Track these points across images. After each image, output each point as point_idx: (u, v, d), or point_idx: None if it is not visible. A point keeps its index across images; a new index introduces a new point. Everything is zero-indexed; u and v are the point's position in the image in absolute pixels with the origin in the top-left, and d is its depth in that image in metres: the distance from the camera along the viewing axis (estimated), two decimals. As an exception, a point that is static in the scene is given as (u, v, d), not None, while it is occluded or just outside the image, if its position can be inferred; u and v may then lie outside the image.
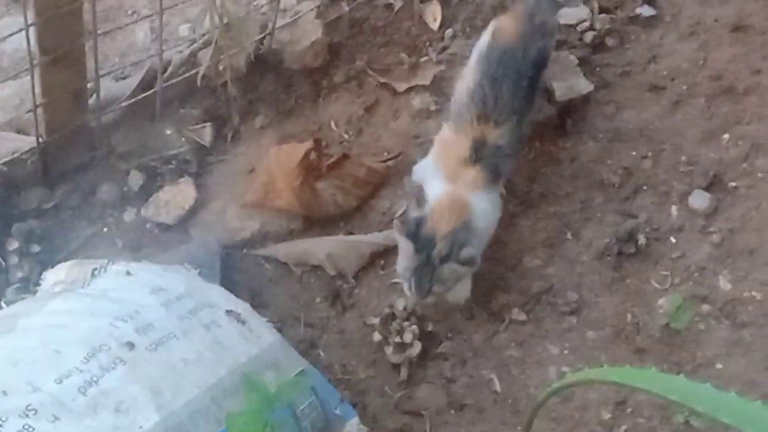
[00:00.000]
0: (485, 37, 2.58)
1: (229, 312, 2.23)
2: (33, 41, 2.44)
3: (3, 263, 2.65)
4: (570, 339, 2.66)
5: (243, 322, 2.23)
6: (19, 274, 2.63)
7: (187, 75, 2.85)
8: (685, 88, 2.98)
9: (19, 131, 2.79)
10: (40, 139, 2.70)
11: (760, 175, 2.85)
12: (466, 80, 2.53)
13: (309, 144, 2.82)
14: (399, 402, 2.59)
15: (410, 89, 3.01)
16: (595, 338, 2.66)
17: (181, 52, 2.92)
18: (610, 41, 3.07)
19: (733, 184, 2.85)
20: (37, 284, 2.41)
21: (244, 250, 2.79)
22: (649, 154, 2.91)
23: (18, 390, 1.95)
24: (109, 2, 3.09)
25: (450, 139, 2.55)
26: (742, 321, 2.66)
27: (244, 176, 2.88)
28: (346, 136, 2.96)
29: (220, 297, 2.28)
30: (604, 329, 2.67)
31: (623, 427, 2.55)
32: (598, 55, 3.05)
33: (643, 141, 2.93)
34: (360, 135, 2.97)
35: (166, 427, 1.96)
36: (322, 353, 2.64)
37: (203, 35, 2.90)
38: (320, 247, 2.78)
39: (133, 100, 2.84)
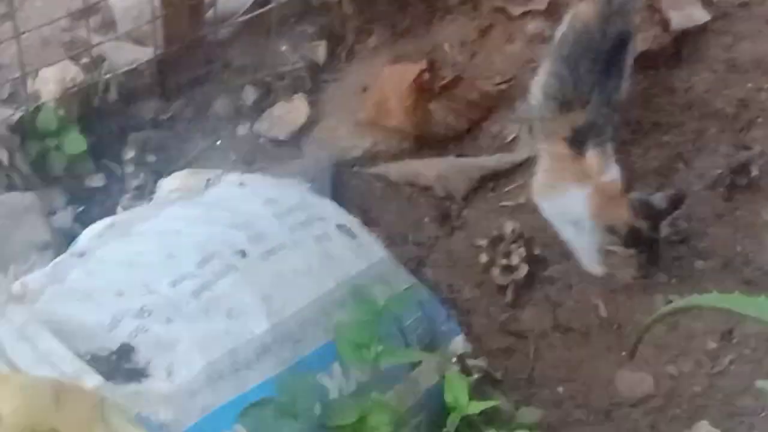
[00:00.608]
0: (562, 27, 2.49)
1: (339, 226, 2.23)
2: (154, -48, 2.45)
3: (120, 171, 2.68)
4: (678, 267, 2.62)
5: (353, 237, 2.23)
6: (135, 183, 2.66)
7: (303, -8, 2.84)
8: (805, 21, 2.89)
9: (138, 42, 2.80)
10: (158, 51, 2.71)
11: None
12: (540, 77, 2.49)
13: (422, 65, 2.80)
14: (504, 323, 2.58)
15: (525, 13, 2.98)
16: (704, 268, 2.63)
17: (298, -31, 2.90)
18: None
19: None
20: (152, 193, 2.43)
21: (355, 168, 2.79)
22: (766, 86, 2.86)
23: (133, 291, 1.97)
24: None
25: (552, 155, 2.51)
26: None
27: (357, 95, 2.88)
28: (459, 59, 2.94)
29: (331, 211, 2.28)
30: (714, 259, 2.64)
31: (728, 358, 2.51)
32: (745, -17, 2.96)
33: (759, 73, 2.87)
34: (473, 58, 2.95)
35: (275, 334, 1.97)
36: (429, 272, 2.64)
37: (322, -47, 2.89)
38: (430, 168, 2.77)
39: (249, 16, 2.85)
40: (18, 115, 2.60)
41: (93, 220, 2.27)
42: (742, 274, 2.61)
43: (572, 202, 2.38)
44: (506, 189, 2.76)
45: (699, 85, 2.87)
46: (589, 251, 2.53)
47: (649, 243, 2.32)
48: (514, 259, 2.58)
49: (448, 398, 2.11)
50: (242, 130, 2.82)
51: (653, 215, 2.29)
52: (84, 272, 2.04)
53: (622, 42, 2.61)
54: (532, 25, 2.95)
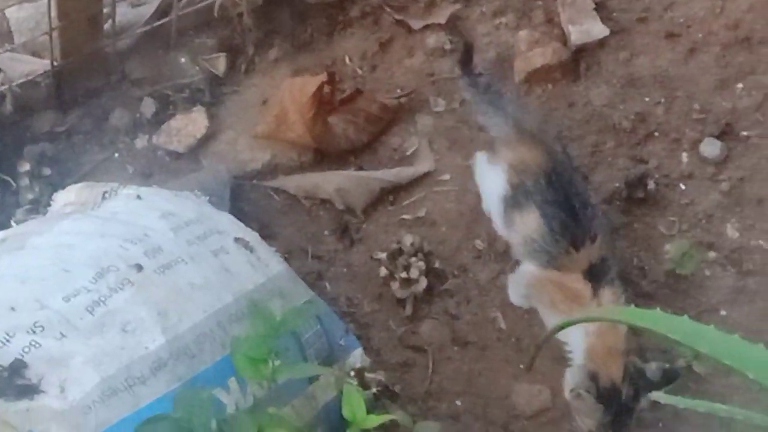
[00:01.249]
0: (500, 181, 2.50)
1: (237, 239, 2.23)
2: (50, -36, 2.43)
3: (14, 185, 2.65)
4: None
5: (251, 250, 2.23)
6: (30, 196, 2.62)
7: (203, 4, 2.84)
8: (700, 36, 2.96)
9: (34, 54, 2.77)
10: (55, 63, 2.69)
11: (772, 124, 2.82)
12: (527, 224, 2.44)
13: (322, 77, 2.81)
14: (403, 336, 2.60)
15: (426, 27, 3.00)
16: (601, 281, 2.63)
17: (198, -20, 2.89)
18: (626, -10, 3.03)
19: (745, 133, 2.84)
20: (48, 206, 2.41)
21: (254, 181, 2.79)
22: (662, 100, 2.89)
23: (26, 306, 1.95)
24: (127, -72, 3.06)
25: (553, 282, 2.42)
26: (747, 269, 2.66)
27: (257, 108, 2.88)
28: (359, 72, 2.95)
29: (229, 224, 2.28)
30: (611, 272, 2.64)
31: (625, 370, 2.53)
32: (614, 0, 3.00)
33: (656, 87, 2.91)
34: (374, 71, 2.96)
35: (171, 349, 1.96)
36: (328, 285, 2.65)
37: (221, -36, 2.88)
38: (330, 181, 2.77)
39: (148, 27, 2.83)
40: None
41: (-14, 234, 2.23)
42: (639, 287, 2.66)
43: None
44: (406, 202, 2.78)
45: (597, 99, 2.90)
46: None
47: (622, 410, 2.25)
48: (414, 273, 2.60)
49: (346, 412, 2.12)
50: (140, 142, 2.80)
51: (641, 386, 2.25)
52: (-25, 286, 2.01)
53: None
54: (432, 39, 2.97)
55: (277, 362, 2.01)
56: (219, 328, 2.04)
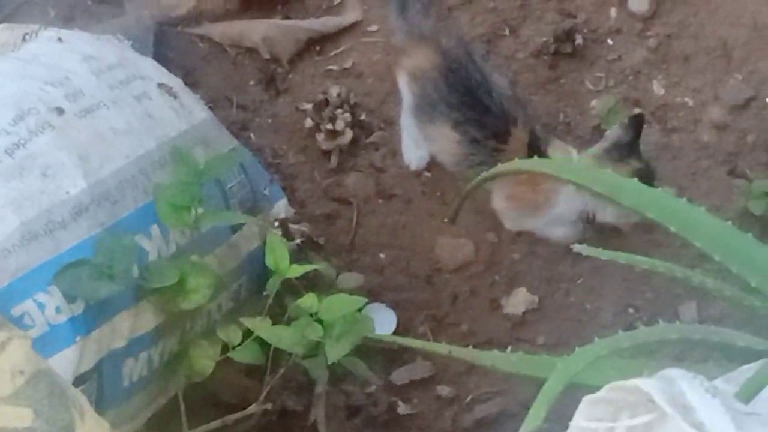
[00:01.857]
0: (406, 93, 2.48)
1: (161, 85, 2.19)
2: None
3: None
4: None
5: (174, 97, 2.19)
6: (-54, 39, 2.54)
7: None
8: None
9: None
10: None
11: (701, -22, 2.80)
12: (444, 137, 2.43)
13: None
14: (328, 188, 2.59)
15: None
16: (527, 135, 2.63)
17: None
18: None
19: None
20: (-35, 48, 2.33)
21: (179, 28, 2.74)
22: (592, -48, 2.84)
23: (-59, 148, 1.90)
24: None
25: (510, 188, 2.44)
26: (672, 126, 2.67)
27: (182, -48, 2.80)
28: None
29: (153, 70, 2.24)
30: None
31: (548, 223, 2.56)
32: None
33: (589, -59, 2.85)
34: None
35: (92, 194, 1.94)
36: (253, 136, 2.63)
37: None
38: (256, 29, 2.73)
39: None
40: None
41: None
42: (565, 141, 2.64)
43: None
44: (332, 53, 2.75)
45: (527, -50, 2.85)
46: None
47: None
48: (339, 125, 2.58)
49: (269, 262, 2.11)
50: (62, -15, 2.73)
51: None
52: None
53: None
54: None
55: (200, 210, 2.00)
56: (141, 174, 2.01)
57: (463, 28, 2.77)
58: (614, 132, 2.41)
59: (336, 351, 2.00)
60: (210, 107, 2.43)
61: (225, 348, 2.07)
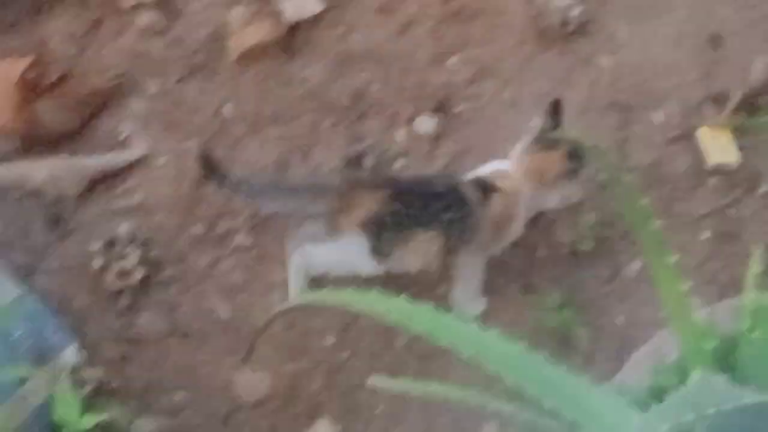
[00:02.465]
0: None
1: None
2: None
3: None
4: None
5: (-49, 249, 2.20)
6: None
7: None
8: (414, 10, 3.06)
9: None
10: None
11: (485, 98, 2.94)
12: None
13: (28, 60, 2.77)
14: (120, 330, 2.62)
15: (136, 6, 3.00)
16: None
17: None
18: (340, -38, 3.10)
19: (460, 107, 2.94)
20: None
21: (-43, 174, 2.74)
22: (378, 77, 2.97)
23: None
24: None
25: None
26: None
27: (-42, 95, 2.82)
28: (68, 54, 2.95)
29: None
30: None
31: (346, 353, 2.64)
32: (328, -25, 3.08)
33: (372, 63, 3.00)
34: (83, 53, 2.96)
35: None
36: (40, 280, 2.65)
37: None
38: (40, 169, 2.77)
39: None
40: None
41: None
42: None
43: None
44: (120, 189, 2.80)
45: (314, 76, 2.97)
46: None
47: None
48: (130, 263, 2.62)
49: (57, 416, 2.13)
50: None
51: None
52: None
53: None
54: (144, 18, 2.98)
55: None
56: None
57: (252, 157, 2.83)
58: (535, 123, 2.61)
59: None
60: (-7, 254, 2.44)
61: None
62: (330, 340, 2.62)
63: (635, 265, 2.70)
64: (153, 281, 2.64)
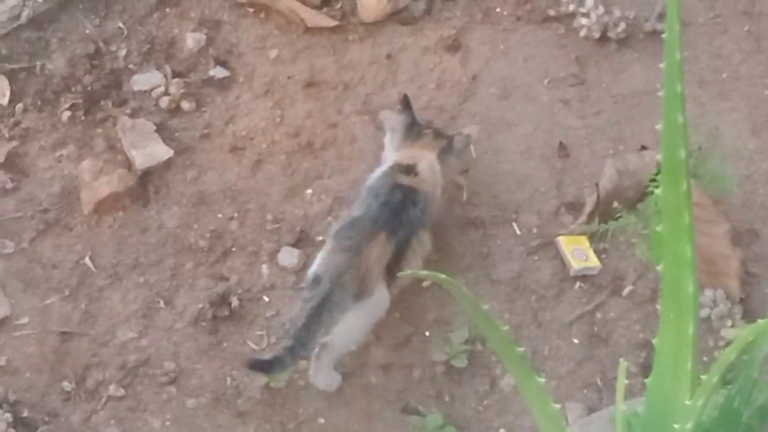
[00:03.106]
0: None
1: None
2: None
3: None
4: (171, 410, 2.84)
5: None
6: None
7: None
8: (264, 146, 3.22)
9: None
10: None
11: (344, 227, 3.07)
12: None
13: None
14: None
15: (-16, 168, 3.11)
16: (196, 406, 2.86)
17: None
18: (186, 105, 3.27)
19: (320, 237, 3.07)
20: None
21: None
22: (235, 215, 3.12)
23: None
24: None
25: None
26: (340, 373, 2.87)
27: None
28: None
29: None
30: (205, 396, 2.87)
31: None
32: (175, 119, 3.26)
33: (228, 202, 3.14)
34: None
35: None
36: None
37: None
38: None
39: None
40: None
41: None
42: (235, 407, 2.86)
43: None
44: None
45: (170, 221, 3.09)
46: None
47: None
48: (1, 427, 2.64)
49: None
50: None
51: None
52: None
53: None
54: (-8, 178, 3.07)
55: None
56: None
57: (116, 307, 2.92)
58: (395, 120, 3.04)
59: None
60: None
61: None
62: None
63: (509, 378, 2.84)
64: (26, 443, 2.68)
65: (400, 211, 2.82)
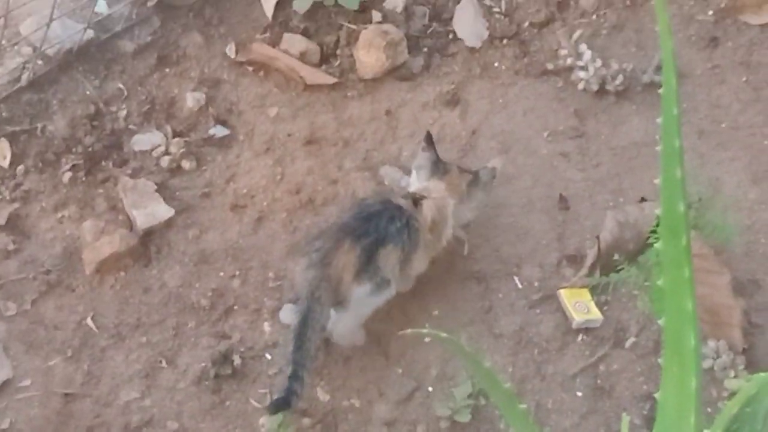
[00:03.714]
0: None
1: None
2: None
3: None
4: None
5: None
6: None
7: None
8: (266, 204, 3.23)
9: None
10: None
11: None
12: None
13: None
14: None
15: (-13, 231, 3.13)
16: (197, 467, 2.83)
17: None
18: (186, 164, 3.28)
19: (320, 294, 3.07)
20: None
21: None
22: (237, 273, 3.12)
23: None
24: None
25: None
26: (344, 430, 2.87)
27: None
28: None
29: None
30: (206, 456, 2.84)
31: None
32: (176, 179, 3.27)
33: (229, 261, 3.14)
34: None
35: None
36: None
37: None
38: None
39: None
40: None
41: None
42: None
43: None
44: (-13, 414, 2.86)
45: (172, 280, 3.09)
46: None
47: None
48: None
49: None
50: None
51: None
52: None
53: None
54: None
55: None
56: None
57: (119, 367, 2.92)
58: (422, 157, 3.07)
59: None
60: None
61: None
62: None
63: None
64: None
65: (371, 219, 2.83)
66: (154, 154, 3.30)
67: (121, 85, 3.40)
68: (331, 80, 3.48)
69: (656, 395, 2.00)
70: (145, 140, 3.32)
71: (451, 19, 3.62)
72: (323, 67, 3.51)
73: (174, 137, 3.33)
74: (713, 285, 3.01)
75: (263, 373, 2.99)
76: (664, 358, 1.95)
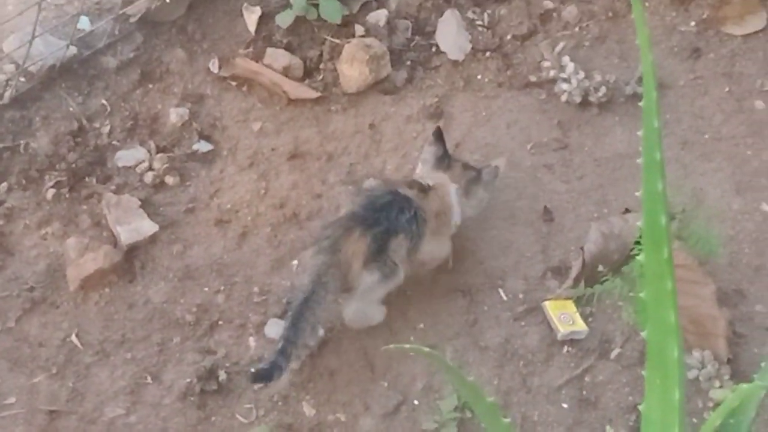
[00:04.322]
0: None
1: None
2: None
3: None
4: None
5: None
6: None
7: None
8: (250, 219, 3.23)
9: None
10: None
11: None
12: None
13: None
14: None
15: (-34, 251, 3.12)
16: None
17: None
18: (170, 180, 3.28)
19: (307, 309, 3.06)
20: None
21: None
22: (222, 288, 3.12)
23: None
24: None
25: None
26: (331, 444, 2.88)
27: None
28: None
29: None
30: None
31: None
32: (160, 194, 3.27)
33: (214, 276, 3.15)
34: None
35: None
36: None
37: None
38: None
39: None
40: None
41: None
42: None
43: None
44: (-29, 435, 2.84)
45: (156, 296, 3.09)
46: None
47: None
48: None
49: None
50: None
51: None
52: None
53: None
54: (-23, 258, 3.07)
55: None
56: None
57: (104, 384, 2.92)
58: (428, 150, 3.12)
59: None
60: None
61: None
62: None
63: (500, 445, 2.84)
64: None
65: (382, 210, 2.87)
66: (138, 170, 3.29)
67: (104, 102, 3.40)
68: (315, 94, 3.48)
69: (641, 407, 1.99)
70: (129, 156, 3.31)
71: (433, 32, 3.62)
72: (306, 81, 3.51)
73: (157, 153, 3.33)
74: (698, 295, 3.01)
75: (249, 388, 2.98)
76: (647, 370, 1.95)
